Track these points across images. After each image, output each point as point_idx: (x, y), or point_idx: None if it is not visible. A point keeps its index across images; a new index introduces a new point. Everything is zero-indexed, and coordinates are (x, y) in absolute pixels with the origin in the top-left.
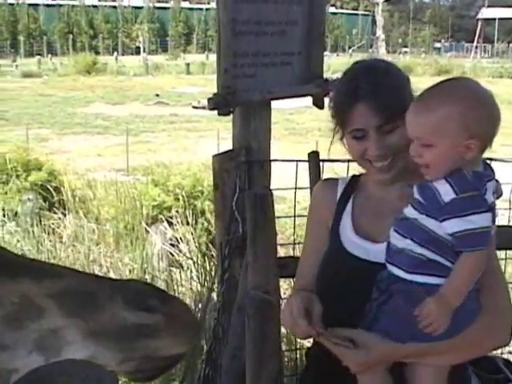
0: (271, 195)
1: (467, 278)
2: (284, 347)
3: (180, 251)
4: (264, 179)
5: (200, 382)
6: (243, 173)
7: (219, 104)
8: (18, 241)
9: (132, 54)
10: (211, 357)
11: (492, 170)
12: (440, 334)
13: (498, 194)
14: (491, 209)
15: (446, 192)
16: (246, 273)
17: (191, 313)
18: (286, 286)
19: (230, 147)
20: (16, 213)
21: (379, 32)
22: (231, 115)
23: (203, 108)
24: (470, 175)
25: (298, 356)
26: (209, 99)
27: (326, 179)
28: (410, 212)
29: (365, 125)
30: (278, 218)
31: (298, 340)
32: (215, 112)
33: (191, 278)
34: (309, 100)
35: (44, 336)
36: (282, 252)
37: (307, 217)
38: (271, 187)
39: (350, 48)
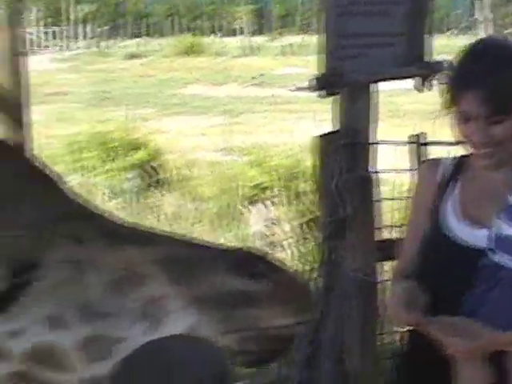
0: (373, 178)
1: None
2: (381, 330)
3: (278, 232)
4: (366, 162)
5: (301, 363)
6: (346, 155)
7: (325, 85)
8: (121, 218)
9: (233, 35)
10: (312, 338)
11: None
12: None
13: None
14: None
15: None
16: (347, 255)
17: (302, 283)
18: (386, 269)
19: (328, 129)
20: (120, 190)
21: (481, 13)
22: (331, 97)
23: (302, 90)
24: None
25: (395, 339)
26: (314, 80)
27: (429, 160)
28: None
29: (471, 112)
30: (378, 201)
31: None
32: (313, 94)
33: (291, 258)
34: (408, 82)
35: (147, 303)
36: (381, 235)
37: (412, 199)
38: (374, 169)
39: (451, 29)
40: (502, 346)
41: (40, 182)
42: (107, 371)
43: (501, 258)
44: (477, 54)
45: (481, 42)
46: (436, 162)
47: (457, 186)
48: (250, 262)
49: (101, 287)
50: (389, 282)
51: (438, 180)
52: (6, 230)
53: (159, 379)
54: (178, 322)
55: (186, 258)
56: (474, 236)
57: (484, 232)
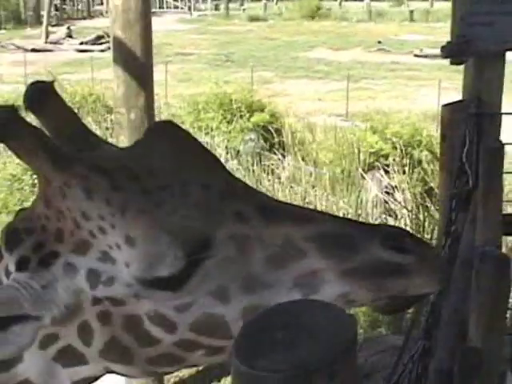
0: (503, 149)
1: None
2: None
3: (395, 200)
4: (494, 132)
5: (421, 332)
6: (473, 125)
7: (453, 52)
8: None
9: (356, 0)
10: (433, 308)
11: None
12: None
13: None
14: None
15: None
16: (471, 227)
17: (440, 256)
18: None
19: (452, 98)
20: (238, 151)
21: None
22: (454, 66)
23: (425, 57)
24: None
25: None
26: (442, 47)
27: None
28: None
29: None
30: (507, 173)
31: None
32: (436, 61)
33: (405, 227)
34: None
35: (303, 275)
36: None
37: None
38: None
39: None
40: None
41: (203, 162)
42: None
43: None
44: None
45: None
46: None
47: None
48: (397, 237)
49: (261, 261)
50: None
51: None
52: (176, 210)
53: (288, 339)
54: (332, 290)
55: (338, 235)
56: None
57: None
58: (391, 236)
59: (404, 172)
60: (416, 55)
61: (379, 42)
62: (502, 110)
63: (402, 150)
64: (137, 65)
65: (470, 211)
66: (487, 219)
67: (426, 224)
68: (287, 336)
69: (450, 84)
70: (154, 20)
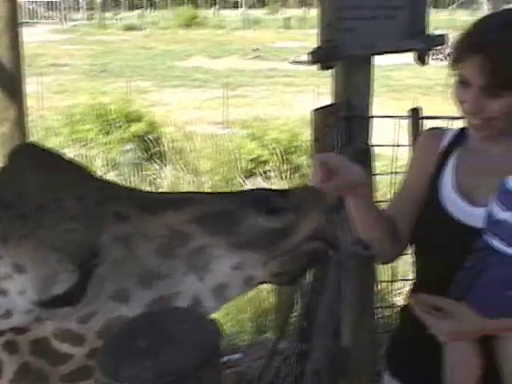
0: (371, 151)
1: None
2: (378, 304)
3: None
4: (364, 135)
5: (295, 335)
6: (343, 128)
7: (321, 57)
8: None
9: (231, 8)
10: (307, 310)
11: None
12: None
13: None
14: None
15: None
16: (344, 228)
17: (314, 192)
18: None
19: (328, 103)
20: (117, 162)
21: None
22: (331, 70)
23: (301, 63)
24: None
25: (391, 314)
26: (311, 53)
27: (432, 128)
28: None
29: (469, 77)
30: (374, 175)
31: (393, 298)
32: (313, 67)
33: None
34: (407, 57)
35: (193, 256)
36: None
37: (410, 162)
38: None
39: (451, 4)
40: (489, 333)
41: (71, 175)
42: None
43: (495, 242)
44: (489, 23)
45: (497, 13)
46: (441, 131)
47: (452, 158)
48: (267, 201)
49: (151, 255)
50: None
51: (442, 149)
52: (56, 227)
53: (152, 348)
54: (223, 264)
55: (217, 212)
56: (470, 214)
57: (480, 210)
58: (260, 200)
59: (284, 177)
60: (292, 62)
61: (256, 50)
62: (379, 112)
63: (281, 156)
64: (5, 77)
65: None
66: None
67: None
68: (151, 345)
69: (325, 89)
70: (25, 31)
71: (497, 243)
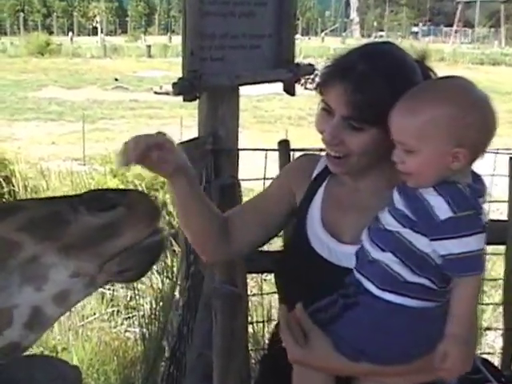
0: (239, 186)
1: (471, 306)
2: (250, 346)
3: None
4: (231, 169)
5: (163, 383)
6: (210, 162)
7: (185, 89)
8: None
9: (88, 35)
10: (175, 356)
11: (482, 183)
12: (399, 358)
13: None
14: (485, 229)
15: (441, 208)
16: (212, 268)
17: (151, 199)
18: (252, 284)
19: (195, 136)
20: None
21: (353, 15)
22: (197, 101)
23: (166, 94)
24: (467, 190)
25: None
26: (174, 84)
27: (310, 154)
28: (390, 223)
29: (334, 107)
30: None
31: (266, 340)
32: (179, 98)
33: (151, 273)
34: (277, 86)
35: (27, 267)
36: None
37: (276, 179)
38: (239, 178)
39: (322, 31)
40: (346, 374)
41: None
42: (17, 335)
43: (366, 283)
44: (362, 52)
45: (370, 44)
46: (316, 157)
47: (320, 190)
48: (100, 197)
49: None
50: (257, 297)
51: (314, 177)
52: None
53: None
54: (59, 272)
55: (46, 215)
56: (335, 252)
57: (346, 248)
58: (94, 198)
59: None
60: (156, 92)
61: (116, 80)
62: (248, 144)
63: (148, 192)
64: None
65: None
66: None
67: (175, 268)
68: None
69: (193, 121)
70: None
71: (368, 284)
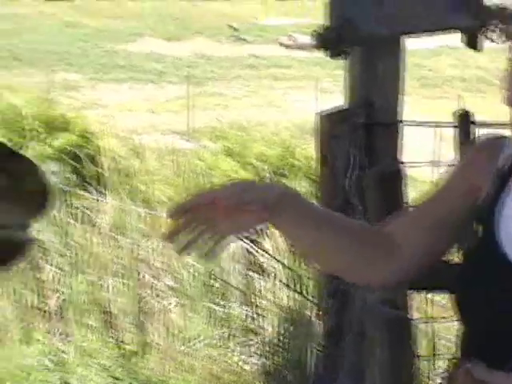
0: (403, 173)
1: None
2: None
3: (263, 250)
4: (392, 150)
5: None
6: (362, 140)
7: (330, 41)
8: (39, 230)
9: None
10: None
11: None
12: None
13: None
14: None
15: None
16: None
17: (42, 178)
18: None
19: (339, 103)
20: None
21: None
22: (341, 59)
23: (298, 47)
24: None
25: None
26: (315, 33)
27: (490, 136)
28: None
29: None
30: (409, 205)
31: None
32: (313, 54)
33: (279, 287)
34: (448, 38)
35: None
36: None
37: (452, 171)
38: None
39: None
40: None
41: None
42: None
43: None
44: None
45: None
46: (502, 140)
47: None
48: None
49: None
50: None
51: (499, 165)
52: None
53: None
54: None
55: None
56: None
57: None
58: None
59: None
60: (283, 45)
61: (232, 28)
62: (410, 116)
63: (269, 180)
64: None
65: None
66: None
67: (308, 281)
68: None
69: (333, 85)
70: None
71: None
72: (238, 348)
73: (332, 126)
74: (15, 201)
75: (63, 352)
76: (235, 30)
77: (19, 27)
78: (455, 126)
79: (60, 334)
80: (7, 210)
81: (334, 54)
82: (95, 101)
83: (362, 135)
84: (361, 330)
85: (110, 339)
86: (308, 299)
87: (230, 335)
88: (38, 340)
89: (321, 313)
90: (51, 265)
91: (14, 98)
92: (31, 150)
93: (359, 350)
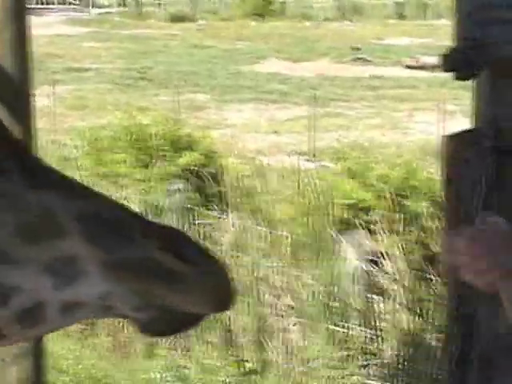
0: None
1: None
2: None
3: (383, 271)
4: None
5: None
6: (491, 163)
7: (458, 63)
8: None
9: None
10: None
11: None
12: None
13: None
14: None
15: None
16: (496, 307)
17: (228, 277)
18: None
19: (462, 124)
20: (160, 207)
21: None
22: (466, 81)
23: (421, 68)
24: None
25: None
26: (444, 56)
27: None
28: None
29: None
30: None
31: None
32: (438, 75)
33: (399, 309)
34: None
35: (59, 259)
36: None
37: None
38: None
39: None
40: None
41: None
42: (3, 319)
43: None
44: None
45: None
46: None
47: None
48: (181, 242)
49: (10, 228)
50: None
51: None
52: None
53: None
54: (90, 287)
55: (112, 219)
56: None
57: None
58: (174, 238)
59: (395, 232)
60: (408, 66)
61: (356, 49)
62: None
63: (391, 201)
64: (7, 87)
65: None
66: None
67: (429, 304)
68: None
69: (456, 106)
70: (34, 21)
71: None
72: (357, 370)
73: (458, 148)
74: (201, 292)
75: (185, 367)
76: (358, 50)
77: (147, 49)
78: None
79: (181, 350)
80: (190, 298)
81: (462, 76)
82: (220, 121)
83: (491, 158)
84: (487, 357)
85: (230, 357)
86: (429, 322)
87: (349, 356)
88: (161, 355)
89: (443, 337)
90: None
91: (144, 118)
92: (157, 169)
93: (484, 377)
